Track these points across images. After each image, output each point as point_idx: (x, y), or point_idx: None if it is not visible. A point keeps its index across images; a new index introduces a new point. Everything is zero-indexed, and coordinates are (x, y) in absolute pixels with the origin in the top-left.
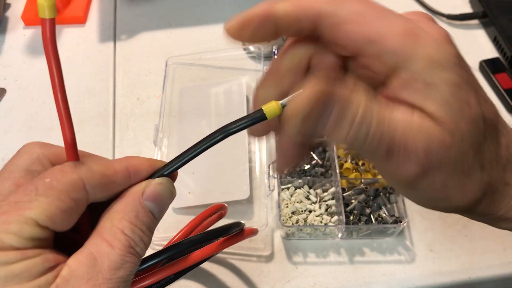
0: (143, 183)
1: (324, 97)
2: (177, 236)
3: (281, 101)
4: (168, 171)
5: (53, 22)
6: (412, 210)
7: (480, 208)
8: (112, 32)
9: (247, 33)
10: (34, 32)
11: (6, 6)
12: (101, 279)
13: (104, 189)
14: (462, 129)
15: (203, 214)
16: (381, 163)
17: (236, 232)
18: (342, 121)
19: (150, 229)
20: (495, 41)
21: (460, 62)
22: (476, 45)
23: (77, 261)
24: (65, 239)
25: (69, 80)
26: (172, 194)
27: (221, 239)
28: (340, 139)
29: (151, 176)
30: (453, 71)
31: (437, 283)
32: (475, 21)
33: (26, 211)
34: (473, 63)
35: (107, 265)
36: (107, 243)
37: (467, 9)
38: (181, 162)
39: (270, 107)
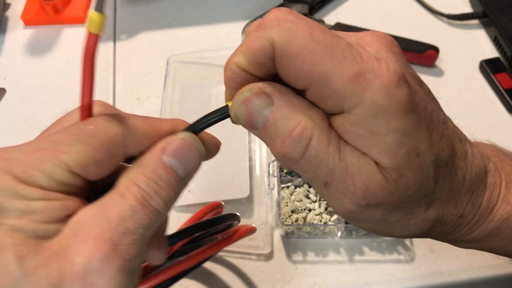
0: (165, 139)
1: (264, 96)
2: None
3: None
4: (197, 128)
5: (97, 38)
6: None
7: (431, 236)
8: (112, 32)
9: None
10: (34, 32)
11: (6, 6)
12: (106, 227)
13: (142, 147)
14: (407, 178)
15: (200, 212)
16: (319, 190)
17: (231, 226)
18: (274, 131)
19: (170, 186)
20: (495, 41)
21: (411, 106)
22: (476, 45)
23: (87, 210)
24: None
25: (68, 80)
26: (198, 152)
27: (216, 241)
28: (272, 151)
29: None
30: (401, 119)
31: (437, 283)
32: (475, 21)
33: (62, 155)
34: (473, 63)
35: (114, 213)
36: (119, 193)
37: (467, 9)
38: (207, 124)
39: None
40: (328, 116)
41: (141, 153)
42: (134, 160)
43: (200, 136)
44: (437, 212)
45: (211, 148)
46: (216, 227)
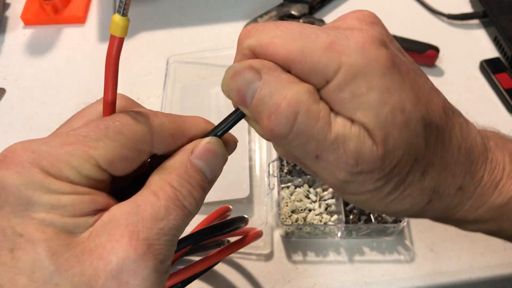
0: (194, 142)
1: (252, 71)
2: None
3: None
4: (220, 132)
5: (121, 41)
6: None
7: (429, 213)
8: None
9: None
10: (34, 32)
11: (6, 6)
12: (141, 226)
13: (168, 146)
14: (394, 138)
15: (210, 216)
16: (310, 163)
17: (240, 230)
18: (260, 106)
19: (201, 187)
20: (495, 41)
21: (390, 64)
22: (477, 45)
23: (120, 207)
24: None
25: (68, 80)
26: (223, 156)
27: (227, 244)
28: (260, 129)
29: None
30: (380, 76)
31: (437, 283)
32: (476, 21)
33: (91, 150)
34: (474, 63)
35: (149, 213)
36: (152, 193)
37: (468, 8)
38: (228, 127)
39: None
40: (318, 90)
41: (165, 152)
42: (159, 159)
43: (222, 138)
44: (433, 181)
45: (230, 148)
46: (225, 230)
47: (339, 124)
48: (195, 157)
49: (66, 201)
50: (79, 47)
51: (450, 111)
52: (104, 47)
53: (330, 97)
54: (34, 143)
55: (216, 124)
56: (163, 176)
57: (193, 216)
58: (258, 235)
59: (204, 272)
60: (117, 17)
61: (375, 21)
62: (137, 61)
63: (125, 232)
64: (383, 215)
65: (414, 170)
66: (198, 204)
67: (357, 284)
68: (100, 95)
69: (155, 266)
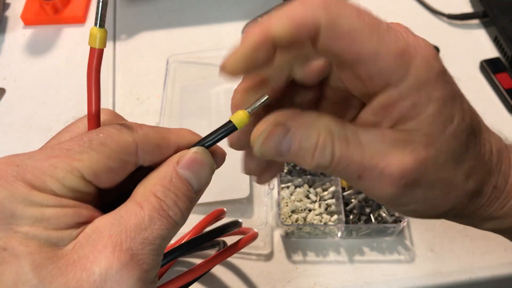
0: (180, 153)
1: (278, 129)
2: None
3: (247, 109)
4: (208, 143)
5: (101, 53)
6: None
7: (466, 212)
8: (112, 32)
9: (245, 67)
10: (33, 32)
11: (6, 6)
12: (124, 236)
13: (153, 157)
14: (440, 144)
15: (204, 221)
16: (356, 184)
17: (235, 231)
18: (301, 151)
19: (187, 197)
20: (495, 41)
21: (445, 77)
22: (477, 45)
23: (104, 219)
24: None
25: (68, 80)
26: (210, 166)
27: (222, 249)
28: (305, 166)
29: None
30: (440, 90)
31: (437, 283)
32: (476, 21)
33: (75, 162)
34: (474, 63)
35: (132, 223)
36: (137, 204)
37: (468, 8)
38: (217, 139)
39: (239, 117)
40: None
41: (151, 163)
42: (146, 171)
43: (210, 149)
44: (476, 183)
45: (218, 160)
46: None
47: (371, 140)
48: (181, 167)
49: (50, 213)
50: (79, 47)
51: (481, 119)
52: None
53: (384, 100)
54: (18, 157)
55: (208, 123)
56: (148, 186)
57: (180, 226)
58: (253, 237)
59: (200, 278)
60: (95, 29)
61: (418, 36)
62: (137, 61)
63: (108, 243)
64: (384, 215)
65: (458, 174)
66: (184, 214)
67: (357, 284)
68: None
69: (139, 276)
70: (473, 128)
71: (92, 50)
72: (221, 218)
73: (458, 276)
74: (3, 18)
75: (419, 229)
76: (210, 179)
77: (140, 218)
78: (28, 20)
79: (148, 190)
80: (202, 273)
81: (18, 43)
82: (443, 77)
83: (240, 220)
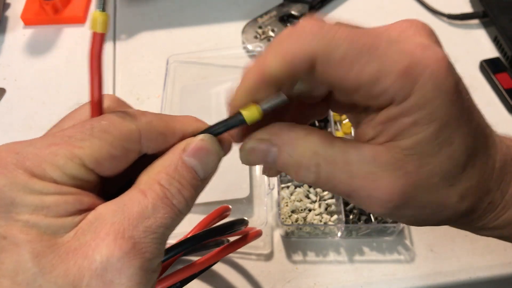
0: (186, 140)
1: (263, 144)
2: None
3: (261, 105)
4: (216, 131)
5: (103, 37)
6: None
7: (458, 224)
8: (112, 32)
9: (250, 100)
10: (34, 32)
11: (6, 6)
12: (127, 224)
13: (157, 145)
14: (432, 166)
15: (209, 217)
16: (347, 199)
17: (240, 231)
18: (285, 167)
19: (192, 185)
20: (495, 41)
21: (454, 96)
22: (477, 45)
23: (106, 206)
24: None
25: (68, 80)
26: (217, 154)
27: (226, 244)
28: (291, 175)
29: None
30: (444, 108)
31: (437, 283)
32: (476, 21)
33: (76, 149)
34: (474, 63)
35: (135, 211)
36: (140, 191)
37: (468, 8)
38: (226, 128)
39: (250, 112)
40: (358, 111)
41: (155, 151)
42: (150, 159)
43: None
44: (470, 203)
45: (225, 147)
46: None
47: (361, 160)
48: (187, 154)
49: (50, 201)
50: (79, 47)
51: (488, 130)
52: (104, 47)
53: (384, 117)
54: (19, 145)
55: (208, 123)
56: (152, 174)
57: (184, 215)
58: (258, 234)
59: (203, 271)
60: (96, 13)
61: (437, 37)
62: (137, 61)
63: (110, 230)
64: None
65: (451, 195)
66: (188, 202)
67: (357, 284)
68: None
69: (141, 265)
70: (476, 148)
71: (94, 35)
72: (226, 216)
73: (458, 276)
74: (3, 18)
75: (419, 229)
76: (217, 167)
77: (143, 206)
78: (28, 20)
79: (152, 178)
80: (208, 265)
81: (18, 43)
82: (452, 96)
83: (246, 219)
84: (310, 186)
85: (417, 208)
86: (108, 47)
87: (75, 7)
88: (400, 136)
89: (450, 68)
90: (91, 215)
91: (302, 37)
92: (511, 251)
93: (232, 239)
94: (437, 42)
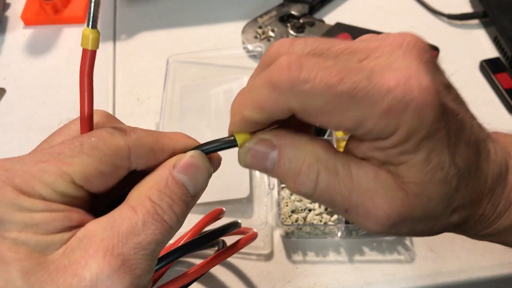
0: (176, 156)
1: (266, 143)
2: (180, 242)
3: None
4: (207, 150)
5: (94, 54)
6: None
7: (452, 231)
8: (112, 32)
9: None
10: (34, 32)
11: (6, 6)
12: (116, 241)
13: (146, 162)
14: (430, 191)
15: (202, 221)
16: (342, 215)
17: (235, 231)
18: (284, 172)
19: (182, 201)
20: (495, 41)
21: (441, 125)
22: (477, 45)
23: (96, 223)
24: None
25: (68, 80)
26: (207, 170)
27: (218, 251)
28: (289, 189)
29: None
30: (431, 138)
31: (437, 283)
32: (476, 21)
33: (65, 166)
34: (474, 63)
35: (125, 228)
36: (130, 208)
37: (468, 8)
38: (216, 149)
39: (242, 138)
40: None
41: (144, 168)
42: (139, 175)
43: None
44: (461, 217)
45: (213, 164)
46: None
47: (364, 176)
48: (177, 170)
49: (39, 218)
50: (79, 47)
51: (482, 145)
52: (104, 47)
53: (372, 150)
54: (8, 162)
55: (208, 123)
56: (143, 190)
57: (175, 231)
58: (253, 237)
59: (196, 280)
60: (87, 30)
61: (428, 55)
62: (137, 61)
63: (99, 247)
64: None
65: (445, 212)
66: (179, 218)
67: (357, 284)
68: (100, 95)
69: (131, 281)
70: (468, 168)
71: (84, 51)
72: (220, 218)
73: (458, 276)
74: (3, 18)
75: None
76: (207, 184)
77: (133, 222)
78: (28, 20)
79: (143, 193)
80: (201, 274)
81: (18, 43)
82: (438, 124)
83: (239, 221)
84: None
85: (411, 225)
86: (108, 47)
87: (75, 7)
88: (389, 164)
89: (435, 97)
90: (81, 232)
91: (277, 91)
92: (511, 251)
93: (227, 239)
94: (427, 62)
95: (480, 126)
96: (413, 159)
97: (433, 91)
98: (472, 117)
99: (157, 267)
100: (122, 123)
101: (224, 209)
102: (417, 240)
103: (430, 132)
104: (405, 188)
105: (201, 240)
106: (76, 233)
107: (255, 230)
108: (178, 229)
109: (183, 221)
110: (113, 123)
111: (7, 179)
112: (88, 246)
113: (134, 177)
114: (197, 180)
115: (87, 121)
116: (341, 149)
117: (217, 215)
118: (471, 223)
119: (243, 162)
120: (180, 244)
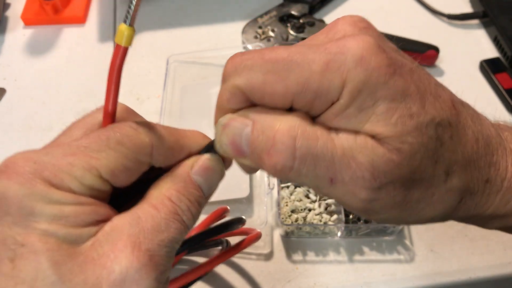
0: (193, 158)
1: (241, 119)
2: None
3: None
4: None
5: (126, 51)
6: None
7: (461, 213)
8: (112, 32)
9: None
10: (34, 32)
11: (6, 6)
12: (142, 238)
13: (166, 160)
14: (409, 143)
15: (208, 219)
16: (328, 190)
17: (238, 230)
18: (259, 145)
19: (198, 202)
20: (495, 41)
21: (391, 70)
22: (477, 45)
23: (121, 218)
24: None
25: (68, 80)
26: (221, 172)
27: (223, 251)
28: (266, 170)
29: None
30: (384, 85)
31: (437, 283)
32: (476, 21)
33: (92, 160)
34: (474, 63)
35: (150, 225)
36: (153, 206)
37: (468, 8)
38: None
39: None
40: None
41: (162, 165)
42: (155, 172)
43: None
44: (460, 179)
45: (226, 164)
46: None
47: (342, 139)
48: (195, 173)
49: (69, 211)
50: (79, 47)
51: (459, 104)
52: (104, 47)
53: (333, 116)
54: (36, 154)
55: (208, 123)
56: (163, 190)
57: (190, 230)
58: (257, 237)
59: (202, 277)
60: (123, 26)
61: (367, 25)
62: (137, 61)
63: (128, 242)
64: None
65: (438, 172)
66: (194, 218)
67: (357, 284)
68: (100, 95)
69: (156, 277)
70: (445, 119)
71: (117, 47)
72: (224, 217)
73: (458, 276)
74: (3, 18)
75: (419, 229)
76: (218, 186)
77: (157, 221)
78: (28, 20)
79: (163, 193)
80: (206, 271)
81: (18, 43)
82: (387, 70)
83: (244, 217)
84: None
85: (405, 190)
86: (108, 47)
87: (75, 7)
88: (356, 125)
89: (375, 46)
90: (108, 226)
91: (225, 79)
92: (511, 251)
93: (231, 240)
94: (365, 28)
95: (454, 95)
96: (374, 112)
97: (370, 41)
98: (440, 83)
99: None
100: (141, 117)
101: (228, 207)
102: (417, 240)
103: (381, 80)
104: (384, 145)
105: (207, 233)
106: (103, 227)
107: (258, 230)
108: (192, 227)
109: (196, 220)
110: (133, 118)
111: (36, 172)
112: (116, 241)
113: (149, 173)
114: (212, 182)
115: (110, 116)
116: None
117: (222, 214)
118: (479, 194)
119: (219, 144)
120: (186, 237)
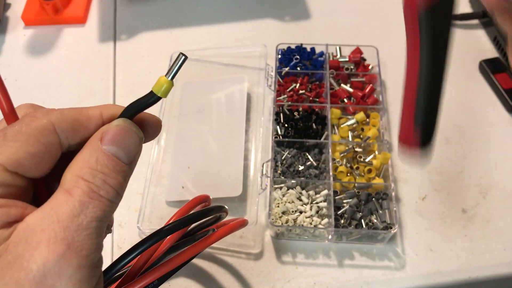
0: (101, 129)
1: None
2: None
3: (166, 75)
4: (131, 113)
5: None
6: (410, 213)
7: None
8: (112, 32)
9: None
10: (34, 32)
11: (6, 6)
12: (57, 228)
13: (76, 133)
14: None
15: (186, 206)
16: None
17: (220, 219)
18: None
19: (117, 172)
20: (495, 41)
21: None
22: (476, 45)
23: (33, 215)
24: None
25: (69, 80)
26: (136, 135)
27: (208, 235)
28: None
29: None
30: None
31: (437, 283)
32: (475, 21)
33: None
34: (473, 63)
35: (63, 212)
36: (65, 191)
37: (467, 9)
38: (140, 108)
39: (160, 86)
40: None
41: (77, 141)
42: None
43: (140, 117)
44: None
45: (152, 127)
46: (205, 220)
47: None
48: (105, 143)
49: None
50: (79, 47)
51: None
52: (105, 47)
53: None
54: None
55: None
56: (75, 171)
57: (117, 204)
58: (243, 223)
59: (181, 267)
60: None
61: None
62: (137, 61)
63: (41, 238)
64: (375, 221)
65: None
66: (117, 190)
67: (357, 284)
68: (100, 95)
69: (79, 263)
70: None
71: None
72: (206, 205)
73: (458, 276)
74: (3, 18)
75: (419, 229)
76: (141, 149)
77: (70, 205)
78: (29, 20)
79: (75, 174)
80: (186, 259)
81: (18, 43)
82: None
83: (225, 206)
84: (302, 188)
85: None
86: (108, 47)
87: (75, 7)
88: None
89: None
90: (20, 226)
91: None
92: (510, 251)
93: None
94: None
95: None
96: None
97: None
98: None
99: (139, 249)
100: (47, 108)
101: (210, 196)
102: (417, 240)
103: None
104: None
105: (187, 220)
106: (16, 228)
107: (245, 218)
108: (119, 200)
109: (123, 192)
110: (39, 110)
111: None
112: (29, 240)
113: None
114: (128, 147)
115: (10, 116)
116: (337, 153)
117: (201, 201)
118: None
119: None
120: (164, 225)
